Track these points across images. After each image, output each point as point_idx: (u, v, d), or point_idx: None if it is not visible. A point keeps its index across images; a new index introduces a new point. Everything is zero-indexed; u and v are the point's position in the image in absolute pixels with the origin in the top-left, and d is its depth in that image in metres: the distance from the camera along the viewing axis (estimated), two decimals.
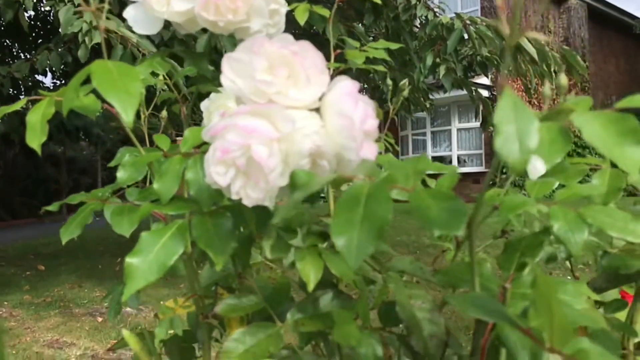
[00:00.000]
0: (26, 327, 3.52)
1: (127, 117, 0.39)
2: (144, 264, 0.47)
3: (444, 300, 0.68)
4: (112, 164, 0.64)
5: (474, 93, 4.87)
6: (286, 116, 0.38)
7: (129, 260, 0.47)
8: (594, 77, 10.96)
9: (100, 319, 3.65)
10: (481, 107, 5.04)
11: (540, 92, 10.12)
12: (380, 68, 0.81)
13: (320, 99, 0.42)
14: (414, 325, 0.57)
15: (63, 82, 7.24)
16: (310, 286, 0.56)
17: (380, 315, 0.62)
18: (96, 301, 4.11)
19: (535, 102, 10.08)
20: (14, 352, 3.06)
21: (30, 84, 5.23)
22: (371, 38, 4.14)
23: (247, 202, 0.40)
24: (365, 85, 5.02)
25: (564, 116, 0.34)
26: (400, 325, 0.62)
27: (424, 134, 10.94)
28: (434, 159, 10.50)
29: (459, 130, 10.41)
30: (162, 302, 0.73)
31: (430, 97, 5.44)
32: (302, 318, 0.62)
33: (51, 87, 7.41)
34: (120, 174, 0.59)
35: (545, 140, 0.32)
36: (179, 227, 0.49)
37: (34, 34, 6.36)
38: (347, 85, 0.42)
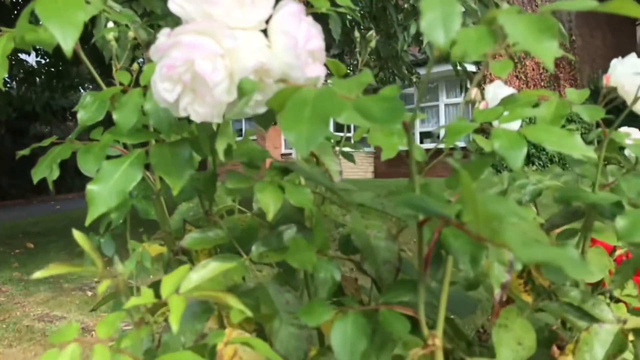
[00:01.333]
0: (16, 302, 3.55)
1: (66, 46, 0.40)
2: (104, 190, 0.49)
3: (397, 228, 0.71)
4: (75, 108, 0.65)
5: (459, 67, 4.88)
6: (229, 33, 0.40)
7: (90, 187, 0.49)
8: (581, 51, 10.98)
9: (90, 293, 3.68)
10: (467, 82, 5.06)
11: (526, 65, 10.17)
12: (345, 10, 0.82)
13: (267, 22, 0.44)
14: (368, 252, 0.60)
15: (47, 60, 7.16)
16: (270, 215, 0.58)
17: (339, 244, 0.64)
18: (86, 276, 4.13)
19: (522, 77, 10.11)
20: (4, 326, 3.09)
21: (14, 62, 5.18)
22: (358, 8, 4.12)
23: (196, 118, 0.42)
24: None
25: (493, 20, 0.37)
26: None
27: (412, 110, 10.95)
28: (422, 134, 10.54)
29: (446, 105, 10.43)
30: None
31: (417, 71, 5.44)
32: (266, 250, 0.64)
33: (35, 67, 7.34)
34: (81, 115, 0.60)
35: (474, 37, 0.35)
36: (137, 156, 0.51)
37: (16, 11, 6.26)
38: (292, 7, 0.43)
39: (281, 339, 0.60)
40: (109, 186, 0.49)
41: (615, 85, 0.68)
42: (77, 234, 0.37)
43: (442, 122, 10.48)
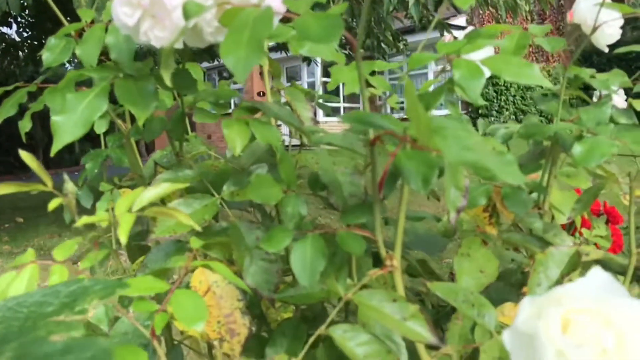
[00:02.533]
0: None
1: None
2: (69, 120, 0.50)
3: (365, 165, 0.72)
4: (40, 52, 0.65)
5: (445, 33, 4.85)
6: None
7: (55, 118, 0.50)
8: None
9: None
10: None
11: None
12: None
13: None
14: (335, 187, 0.61)
15: (30, 33, 7.03)
16: (237, 151, 0.59)
17: (308, 182, 0.66)
18: (76, 250, 4.14)
19: None
20: None
21: None
22: None
23: (156, 43, 0.43)
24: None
25: None
26: None
27: (399, 79, 10.90)
28: None
29: (435, 73, 10.38)
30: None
31: (404, 38, 5.40)
32: (237, 189, 0.65)
33: (18, 40, 7.20)
34: (46, 56, 0.60)
35: None
36: (102, 88, 0.51)
37: None
38: None
39: (252, 273, 0.62)
40: (74, 117, 0.50)
41: (578, 22, 0.69)
42: (23, 154, 0.37)
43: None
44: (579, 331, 0.29)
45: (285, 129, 0.84)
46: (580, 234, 0.99)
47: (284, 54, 6.09)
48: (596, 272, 0.32)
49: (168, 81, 0.46)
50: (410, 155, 0.43)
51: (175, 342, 0.78)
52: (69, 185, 0.41)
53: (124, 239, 0.37)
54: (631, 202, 0.63)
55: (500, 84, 10.14)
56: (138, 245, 0.94)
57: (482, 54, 0.60)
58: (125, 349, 0.44)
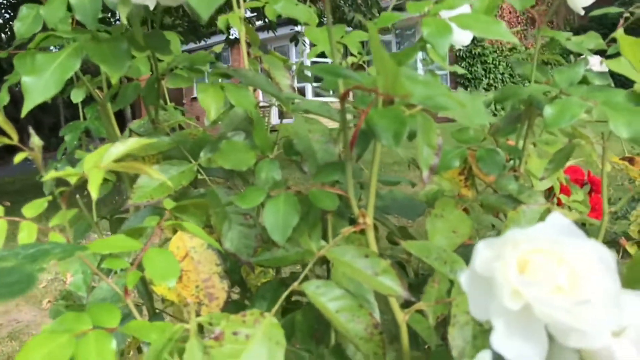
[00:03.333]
0: None
1: None
2: (40, 81, 0.49)
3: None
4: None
5: None
6: None
7: (25, 79, 0.49)
8: None
9: None
10: None
11: (502, 7, 10.08)
12: None
13: None
14: (309, 154, 0.61)
15: (11, 14, 6.90)
16: (211, 115, 0.59)
17: (283, 147, 0.66)
18: (65, 230, 4.13)
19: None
20: None
21: None
22: None
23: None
24: None
25: None
26: None
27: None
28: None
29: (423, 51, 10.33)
30: None
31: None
32: (213, 155, 0.65)
33: (1, 21, 7.07)
34: (17, 27, 0.60)
35: None
36: (74, 48, 0.51)
37: None
38: None
39: (231, 238, 0.62)
40: (45, 77, 0.49)
41: None
42: None
43: (420, 67, 10.41)
44: (534, 271, 0.30)
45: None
46: (559, 200, 1.00)
47: (271, 34, 6.04)
48: (555, 216, 0.33)
49: (140, 38, 0.45)
50: (382, 112, 0.43)
51: (158, 311, 0.79)
52: (35, 139, 0.41)
53: (94, 194, 0.38)
54: (604, 162, 0.64)
55: (488, 62, 10.13)
56: (119, 218, 0.94)
57: (455, 13, 0.60)
58: (99, 307, 0.45)
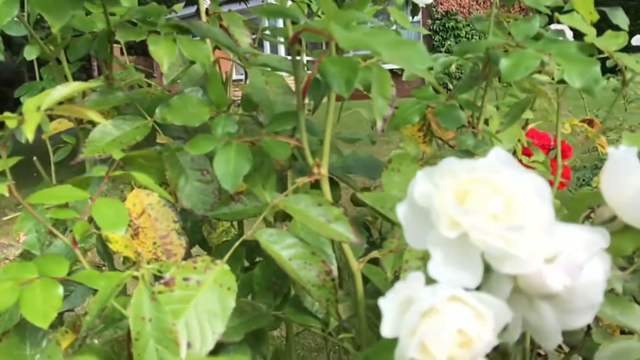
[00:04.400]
0: None
1: None
2: None
3: None
4: None
5: None
6: None
7: None
8: None
9: None
10: None
11: None
12: None
13: None
14: (266, 105, 0.60)
15: None
16: (164, 68, 0.58)
17: (241, 102, 0.65)
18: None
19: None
20: None
21: None
22: None
23: None
24: None
25: None
26: None
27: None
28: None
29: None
30: None
31: None
32: (163, 111, 0.64)
33: None
34: None
35: None
36: None
37: None
38: None
39: (187, 194, 0.61)
40: None
41: None
42: None
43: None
44: (471, 200, 0.30)
45: None
46: (520, 160, 1.02)
47: (243, 5, 5.93)
48: (497, 150, 0.33)
49: None
50: (334, 60, 0.43)
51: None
52: None
53: (30, 135, 0.37)
54: (558, 116, 0.65)
55: (462, 35, 10.15)
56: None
57: None
58: (46, 257, 0.44)
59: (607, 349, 0.46)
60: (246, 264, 0.70)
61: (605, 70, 0.63)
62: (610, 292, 0.51)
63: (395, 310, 0.28)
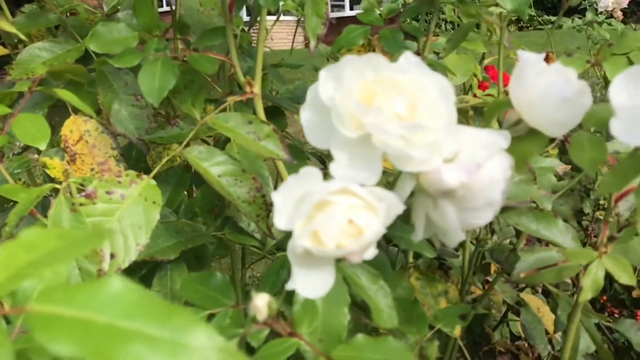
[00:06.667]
0: None
1: None
2: None
3: None
4: None
5: None
6: None
7: None
8: None
9: None
10: None
11: None
12: None
13: None
14: (199, 27, 0.59)
15: None
16: None
17: (177, 27, 0.63)
18: None
19: None
20: None
21: None
22: None
23: None
24: None
25: None
26: None
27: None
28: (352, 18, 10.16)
29: None
30: None
31: None
32: (86, 39, 0.62)
33: None
34: None
35: None
36: None
37: None
38: None
39: (121, 119, 0.60)
40: None
41: None
42: None
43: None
44: (377, 101, 0.30)
45: None
46: (474, 95, 1.02)
47: None
48: (407, 55, 0.33)
49: None
50: None
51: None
52: None
53: None
54: (501, 41, 0.65)
55: None
56: None
57: None
58: None
59: (528, 259, 0.48)
60: None
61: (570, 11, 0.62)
62: (536, 209, 0.53)
63: (290, 205, 0.29)
